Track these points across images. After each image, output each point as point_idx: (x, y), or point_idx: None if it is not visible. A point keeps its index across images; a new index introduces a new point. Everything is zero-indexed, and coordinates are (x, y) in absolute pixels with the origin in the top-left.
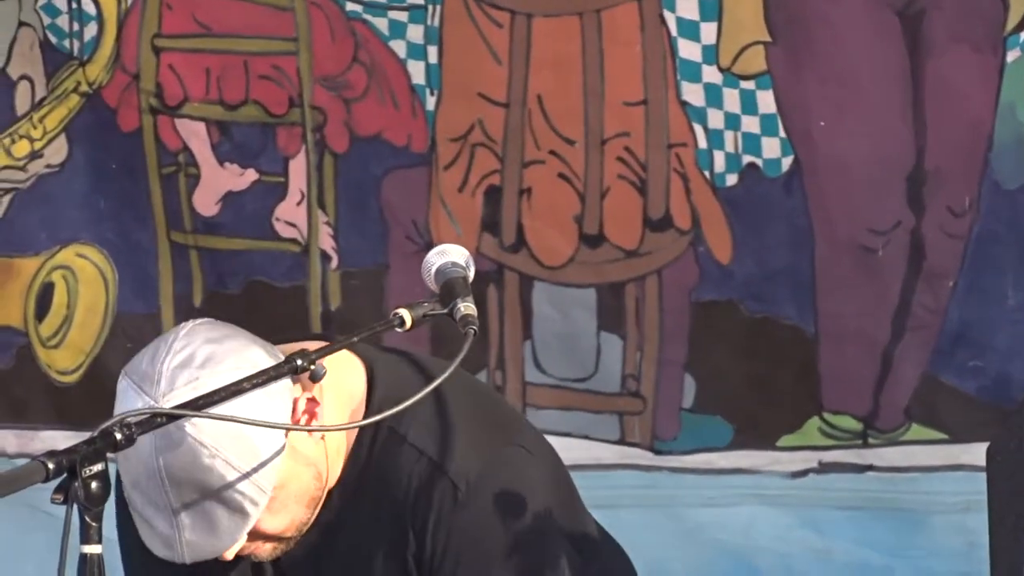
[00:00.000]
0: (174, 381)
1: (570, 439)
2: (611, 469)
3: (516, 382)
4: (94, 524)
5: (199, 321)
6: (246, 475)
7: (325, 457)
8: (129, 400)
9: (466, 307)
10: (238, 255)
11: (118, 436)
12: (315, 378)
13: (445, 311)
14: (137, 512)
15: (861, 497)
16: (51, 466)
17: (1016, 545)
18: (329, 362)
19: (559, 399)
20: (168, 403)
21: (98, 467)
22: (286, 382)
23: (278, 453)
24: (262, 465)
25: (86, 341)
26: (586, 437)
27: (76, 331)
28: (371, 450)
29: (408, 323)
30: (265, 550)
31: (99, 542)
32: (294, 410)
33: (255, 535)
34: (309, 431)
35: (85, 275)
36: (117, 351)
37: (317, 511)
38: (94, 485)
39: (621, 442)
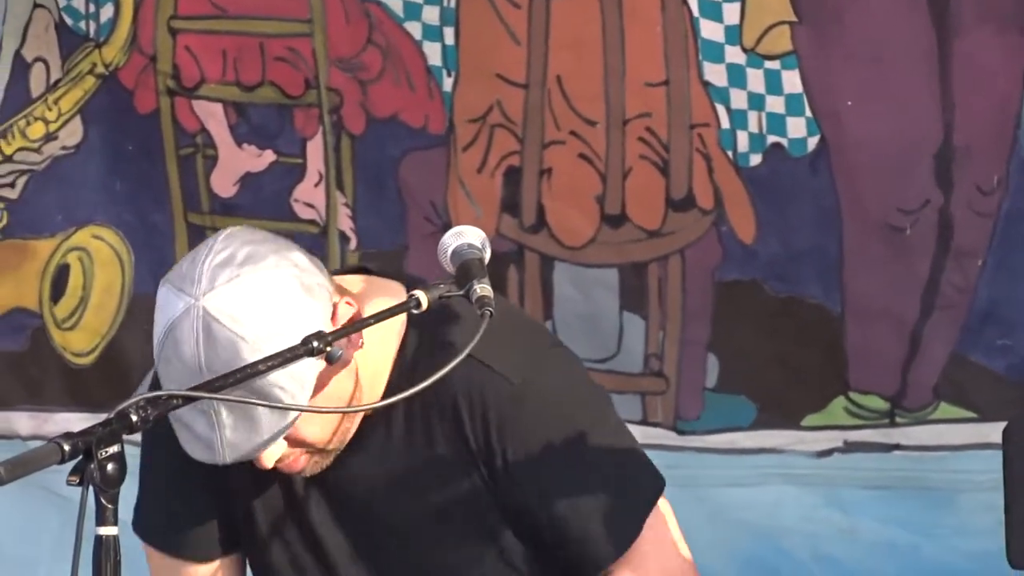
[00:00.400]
0: (215, 279)
1: None
2: None
3: None
4: (110, 506)
5: (238, 228)
6: (287, 369)
7: (364, 367)
8: (169, 303)
9: (482, 288)
10: None
11: (134, 418)
12: (331, 360)
13: (461, 292)
14: (177, 419)
15: (888, 476)
16: (67, 448)
17: None
18: (374, 288)
19: None
20: (209, 301)
21: (114, 449)
22: (326, 289)
23: None
24: (303, 361)
25: (102, 323)
26: None
27: (92, 313)
28: (415, 361)
29: (424, 304)
30: (305, 463)
31: (115, 524)
32: (334, 315)
33: (294, 442)
34: (329, 411)
35: (101, 257)
36: (133, 333)
37: (357, 422)
38: (110, 467)
39: (644, 422)
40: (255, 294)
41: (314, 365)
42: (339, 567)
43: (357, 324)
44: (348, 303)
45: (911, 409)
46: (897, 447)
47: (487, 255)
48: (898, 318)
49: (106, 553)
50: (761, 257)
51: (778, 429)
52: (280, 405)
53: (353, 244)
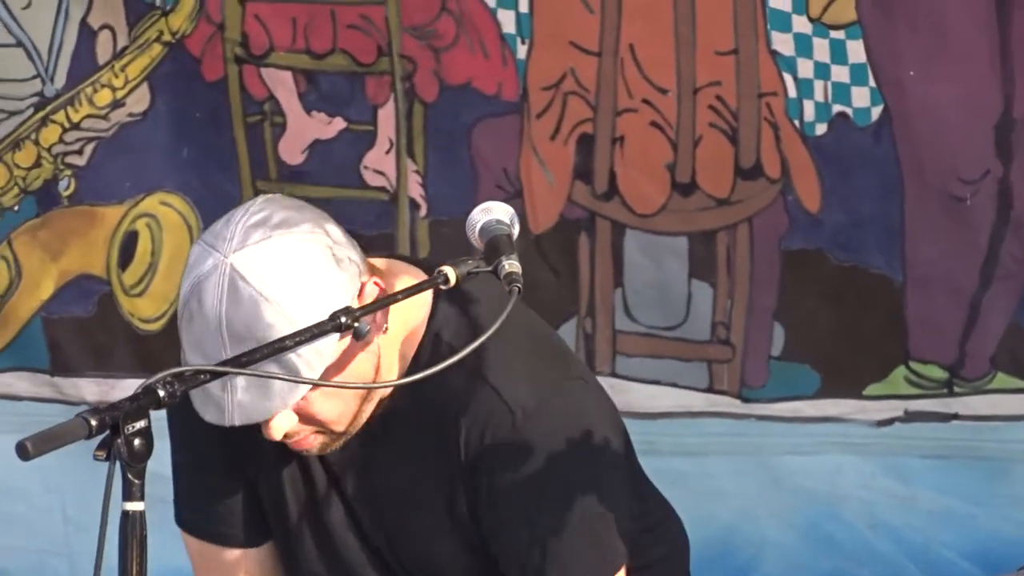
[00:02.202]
0: (247, 238)
1: (658, 387)
2: (699, 417)
3: (606, 330)
4: (136, 481)
5: (279, 195)
6: (307, 337)
7: (382, 356)
8: (199, 260)
9: (510, 265)
10: (324, 203)
11: (161, 393)
12: (359, 336)
13: (490, 268)
14: None
15: (946, 445)
16: (94, 423)
17: None
18: (398, 269)
19: (649, 347)
20: (237, 259)
21: (141, 424)
22: (356, 266)
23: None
24: (324, 331)
25: (170, 289)
26: (675, 385)
27: (160, 279)
28: (429, 363)
29: (453, 280)
30: (314, 442)
31: (141, 499)
32: (361, 292)
33: (306, 418)
34: (352, 387)
35: (169, 223)
36: None
37: (368, 411)
38: (137, 442)
39: (710, 390)
40: (284, 257)
41: (335, 338)
42: (347, 549)
43: (385, 299)
44: (376, 283)
45: (969, 379)
46: (955, 417)
47: (515, 231)
48: (958, 288)
49: (132, 528)
50: (826, 226)
51: (841, 398)
52: (295, 379)
53: (423, 211)
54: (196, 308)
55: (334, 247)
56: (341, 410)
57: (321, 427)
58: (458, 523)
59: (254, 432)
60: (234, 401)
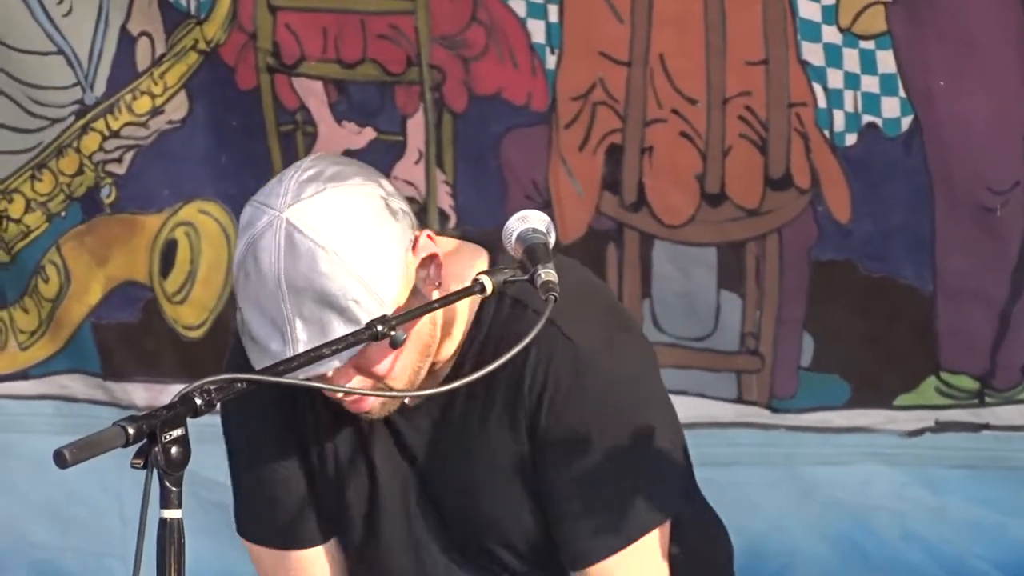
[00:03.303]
0: (301, 192)
1: (687, 397)
2: (729, 427)
3: None
4: (174, 489)
5: (329, 153)
6: (365, 284)
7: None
8: (253, 219)
9: (547, 273)
10: None
11: (198, 401)
12: (395, 344)
13: (526, 277)
14: (252, 339)
15: (977, 456)
16: (131, 431)
17: None
18: (463, 249)
19: (677, 358)
20: (292, 212)
21: (178, 432)
22: (409, 217)
23: (397, 270)
24: (382, 277)
25: (210, 297)
26: (703, 396)
27: (200, 287)
28: (494, 321)
29: (489, 289)
30: (374, 402)
31: (179, 507)
32: (415, 245)
33: (364, 370)
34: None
35: (207, 231)
36: None
37: (427, 367)
38: (174, 450)
39: (739, 401)
40: (339, 208)
41: (396, 284)
42: (414, 522)
43: (421, 309)
44: (429, 236)
45: (1000, 389)
46: (986, 427)
47: (552, 239)
48: (988, 298)
49: (170, 535)
50: (856, 237)
51: (871, 408)
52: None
53: (452, 222)
54: (252, 266)
55: (388, 198)
56: (402, 364)
57: (380, 383)
58: (526, 480)
59: (310, 416)
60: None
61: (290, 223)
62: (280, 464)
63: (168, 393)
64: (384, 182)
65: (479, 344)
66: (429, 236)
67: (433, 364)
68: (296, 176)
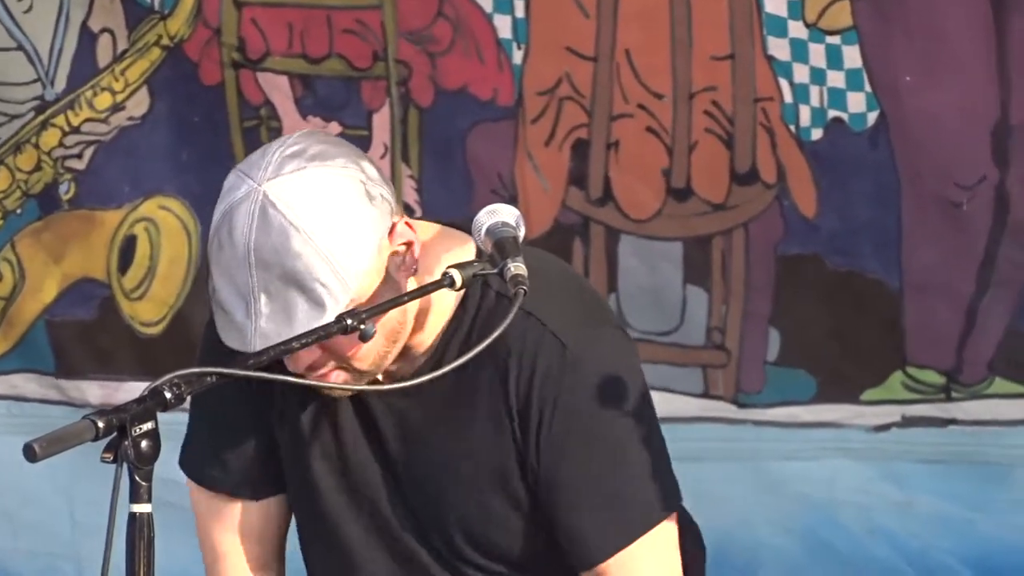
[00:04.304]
0: (281, 167)
1: (653, 392)
2: (695, 422)
3: None
4: (144, 483)
5: (317, 130)
6: (333, 268)
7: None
8: (233, 188)
9: (516, 267)
10: None
11: (168, 395)
12: (364, 338)
13: (495, 271)
14: (219, 304)
15: (943, 451)
16: (101, 425)
17: None
18: (444, 236)
19: (643, 352)
20: (270, 187)
21: (148, 426)
22: (389, 204)
23: (369, 256)
24: (351, 262)
25: (169, 293)
26: (669, 390)
27: (159, 283)
28: (477, 312)
29: (458, 283)
30: (337, 378)
31: (149, 501)
32: (392, 232)
33: (329, 350)
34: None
35: (168, 227)
36: (200, 304)
37: (396, 351)
38: (144, 444)
39: (705, 395)
40: (317, 188)
41: (365, 268)
42: (380, 506)
43: (391, 302)
44: (408, 223)
45: (967, 384)
46: (953, 422)
47: (521, 233)
48: (955, 293)
49: (140, 530)
50: (822, 231)
51: (837, 403)
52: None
53: (418, 216)
54: (226, 235)
55: (367, 183)
56: (367, 349)
57: (345, 363)
58: (507, 474)
59: (278, 388)
60: (257, 327)
61: (267, 197)
62: (236, 413)
63: (123, 391)
64: (367, 166)
65: (465, 332)
66: (408, 223)
67: (410, 348)
68: (280, 150)
